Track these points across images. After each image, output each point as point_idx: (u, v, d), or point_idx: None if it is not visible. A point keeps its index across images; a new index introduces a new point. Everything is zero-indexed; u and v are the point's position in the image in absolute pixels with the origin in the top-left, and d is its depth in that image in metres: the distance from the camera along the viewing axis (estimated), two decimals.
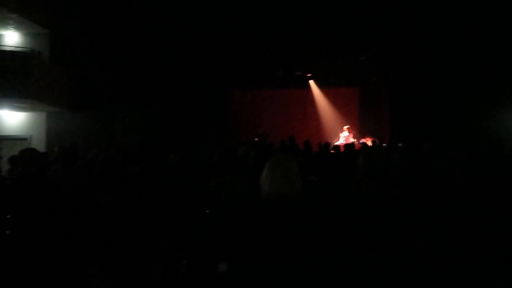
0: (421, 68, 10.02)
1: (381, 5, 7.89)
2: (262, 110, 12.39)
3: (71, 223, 2.30)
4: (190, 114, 10.43)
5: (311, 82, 12.15)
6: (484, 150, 5.08)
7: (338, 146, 7.05)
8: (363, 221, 2.18)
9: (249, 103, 12.40)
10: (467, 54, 9.55)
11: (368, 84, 11.80)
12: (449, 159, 3.63)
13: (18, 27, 9.69)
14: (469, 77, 9.72)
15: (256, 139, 9.98)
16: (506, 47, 9.29)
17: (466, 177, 2.96)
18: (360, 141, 9.93)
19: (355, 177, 2.68)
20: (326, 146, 6.73)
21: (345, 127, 10.67)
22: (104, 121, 10.20)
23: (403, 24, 8.52)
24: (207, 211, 2.72)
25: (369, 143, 9.56)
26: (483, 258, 1.95)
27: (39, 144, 9.27)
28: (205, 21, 8.59)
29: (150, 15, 8.67)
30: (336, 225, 2.05)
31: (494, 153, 4.86)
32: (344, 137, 10.46)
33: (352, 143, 8.48)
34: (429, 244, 2.07)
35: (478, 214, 2.26)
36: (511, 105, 9.88)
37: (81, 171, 3.29)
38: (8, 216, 2.25)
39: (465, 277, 1.91)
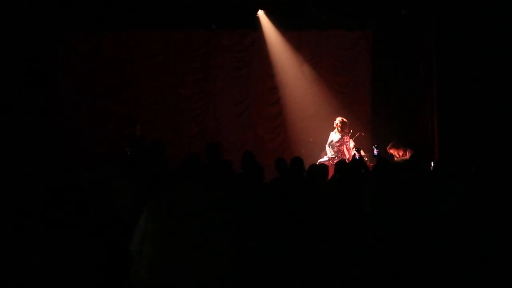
0: None
1: None
2: (142, 81, 12.63)
3: None
4: None
5: (261, 14, 12.47)
6: None
7: (323, 167, 7.23)
8: None
9: (113, 64, 12.57)
10: None
11: (393, 24, 12.39)
12: None
13: None
14: None
15: (127, 151, 9.93)
16: None
17: None
18: (375, 153, 10.28)
19: (356, 232, 2.80)
20: (298, 164, 6.88)
21: (337, 120, 10.99)
22: None
23: None
24: None
25: (397, 154, 9.98)
26: None
27: None
28: None
29: None
30: None
31: None
32: (337, 143, 10.79)
33: (358, 159, 8.76)
34: None
35: None
36: None
37: None
38: None
39: None
